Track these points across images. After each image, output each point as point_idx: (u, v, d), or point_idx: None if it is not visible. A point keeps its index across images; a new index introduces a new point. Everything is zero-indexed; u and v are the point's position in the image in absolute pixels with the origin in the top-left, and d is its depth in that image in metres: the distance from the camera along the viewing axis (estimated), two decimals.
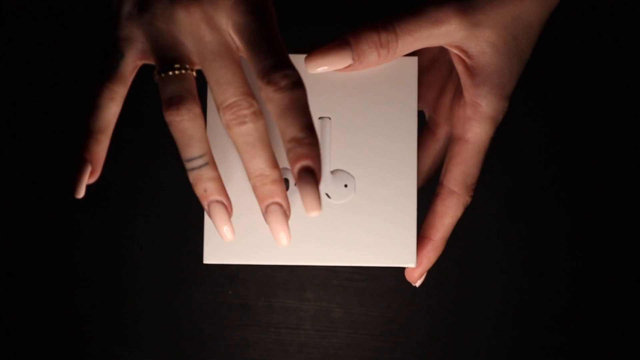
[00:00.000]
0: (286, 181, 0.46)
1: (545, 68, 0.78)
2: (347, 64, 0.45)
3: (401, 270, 0.83)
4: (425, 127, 0.52)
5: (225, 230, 0.42)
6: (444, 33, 0.45)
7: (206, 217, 0.46)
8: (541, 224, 0.81)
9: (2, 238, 0.81)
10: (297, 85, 0.39)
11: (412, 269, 0.48)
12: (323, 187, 0.46)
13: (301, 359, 0.82)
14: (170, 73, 0.41)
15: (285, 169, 0.46)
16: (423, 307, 0.82)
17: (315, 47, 0.45)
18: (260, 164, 0.40)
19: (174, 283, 0.81)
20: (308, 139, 0.39)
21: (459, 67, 0.47)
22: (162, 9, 0.40)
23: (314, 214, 0.40)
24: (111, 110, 0.43)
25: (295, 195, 0.46)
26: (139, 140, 0.81)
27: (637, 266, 0.80)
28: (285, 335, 0.82)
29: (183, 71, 0.41)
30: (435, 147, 0.51)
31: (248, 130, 0.40)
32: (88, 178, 0.43)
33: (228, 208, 0.42)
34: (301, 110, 0.39)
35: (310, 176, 0.40)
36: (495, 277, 0.81)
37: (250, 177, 0.41)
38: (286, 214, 0.41)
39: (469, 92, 0.46)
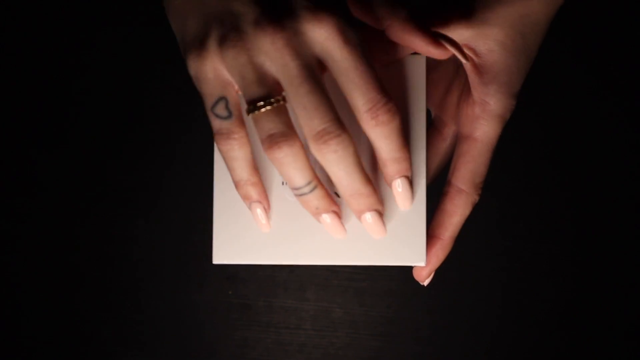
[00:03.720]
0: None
1: (545, 66, 0.79)
2: None
3: (401, 271, 0.83)
4: (431, 125, 0.52)
5: (341, 235, 0.45)
6: (452, 32, 0.44)
7: (214, 218, 0.46)
8: (541, 224, 0.81)
9: (2, 238, 0.81)
10: (395, 116, 0.41)
11: (421, 267, 0.48)
12: (333, 186, 0.46)
13: (301, 359, 0.82)
14: (264, 110, 0.40)
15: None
16: (423, 307, 0.82)
17: None
18: (354, 184, 0.42)
19: (174, 283, 0.81)
20: (404, 156, 0.43)
21: (467, 66, 0.46)
22: (244, 42, 0.40)
23: (407, 209, 0.46)
24: (246, 153, 0.43)
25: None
26: (140, 141, 0.80)
27: (637, 266, 0.80)
28: (285, 335, 0.82)
29: (276, 104, 0.40)
30: (441, 145, 0.51)
31: (340, 158, 0.40)
32: (266, 213, 0.45)
33: (338, 215, 0.44)
34: (399, 135, 0.42)
35: (408, 184, 0.44)
36: (495, 277, 0.81)
37: (344, 196, 0.42)
38: (381, 214, 0.44)
39: (477, 90, 0.46)
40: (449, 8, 0.44)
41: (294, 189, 0.42)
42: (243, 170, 0.43)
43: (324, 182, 0.43)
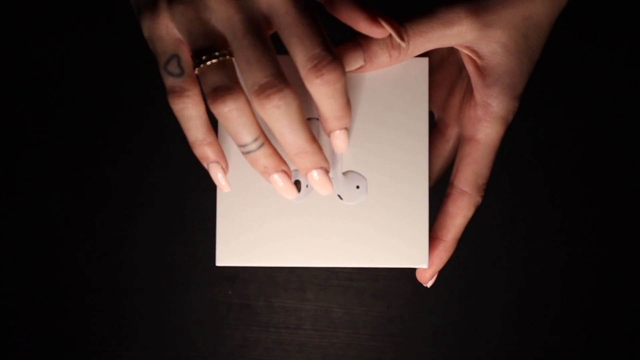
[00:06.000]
0: (297, 183, 0.46)
1: (547, 67, 0.79)
2: (358, 65, 0.45)
3: (401, 271, 0.83)
4: (434, 127, 0.52)
5: (292, 195, 0.44)
6: (456, 34, 0.44)
7: (217, 220, 0.46)
8: (541, 225, 0.81)
9: (0, 238, 0.80)
10: (342, 76, 0.40)
11: (424, 269, 0.48)
12: (335, 188, 0.46)
13: (301, 359, 0.82)
14: (209, 63, 0.40)
15: (295, 171, 0.46)
16: (423, 307, 0.82)
17: None
18: (299, 142, 0.41)
19: (174, 283, 0.81)
20: (346, 113, 0.42)
21: (470, 68, 0.46)
22: None
23: (342, 151, 0.45)
24: (201, 112, 0.42)
25: (308, 197, 0.46)
26: (137, 140, 0.80)
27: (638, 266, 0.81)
28: (285, 335, 0.82)
29: (221, 58, 0.40)
30: (444, 147, 0.51)
31: (283, 113, 0.39)
32: (224, 173, 0.44)
33: (288, 174, 0.43)
34: (343, 94, 0.41)
35: (347, 134, 0.44)
36: (495, 277, 0.81)
37: (289, 155, 0.41)
38: (327, 171, 0.43)
39: (479, 92, 0.46)
40: (453, 10, 0.44)
41: (241, 146, 0.41)
42: (198, 130, 0.42)
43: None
